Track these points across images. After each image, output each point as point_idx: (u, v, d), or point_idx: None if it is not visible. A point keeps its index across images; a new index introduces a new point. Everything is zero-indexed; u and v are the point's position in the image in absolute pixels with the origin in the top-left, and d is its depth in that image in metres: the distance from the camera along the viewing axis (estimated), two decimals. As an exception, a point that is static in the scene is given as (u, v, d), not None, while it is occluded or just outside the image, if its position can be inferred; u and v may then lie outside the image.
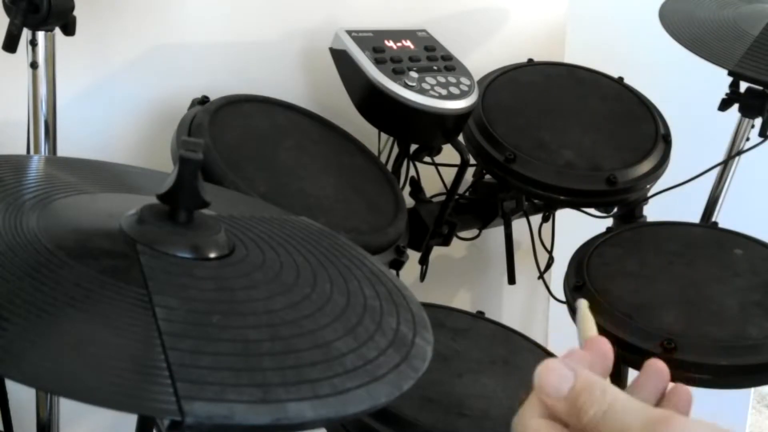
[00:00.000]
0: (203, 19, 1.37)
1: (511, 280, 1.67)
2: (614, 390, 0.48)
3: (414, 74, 1.35)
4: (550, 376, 0.49)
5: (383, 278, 0.79)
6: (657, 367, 0.53)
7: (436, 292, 1.63)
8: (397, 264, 1.26)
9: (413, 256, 1.44)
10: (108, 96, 1.32)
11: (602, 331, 1.38)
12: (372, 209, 1.26)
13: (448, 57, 1.43)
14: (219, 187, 1.03)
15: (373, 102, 1.36)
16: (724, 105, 1.56)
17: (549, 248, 1.73)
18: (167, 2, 1.34)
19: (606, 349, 0.53)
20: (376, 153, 1.42)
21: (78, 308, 0.60)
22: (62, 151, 1.15)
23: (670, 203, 1.55)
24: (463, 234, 1.62)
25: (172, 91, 1.35)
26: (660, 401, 0.52)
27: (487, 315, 1.34)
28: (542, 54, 1.71)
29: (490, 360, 1.19)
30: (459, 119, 1.37)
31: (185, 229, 0.70)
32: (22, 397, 1.23)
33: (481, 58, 1.62)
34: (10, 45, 1.01)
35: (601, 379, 0.49)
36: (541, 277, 1.71)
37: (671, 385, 0.53)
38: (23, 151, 1.13)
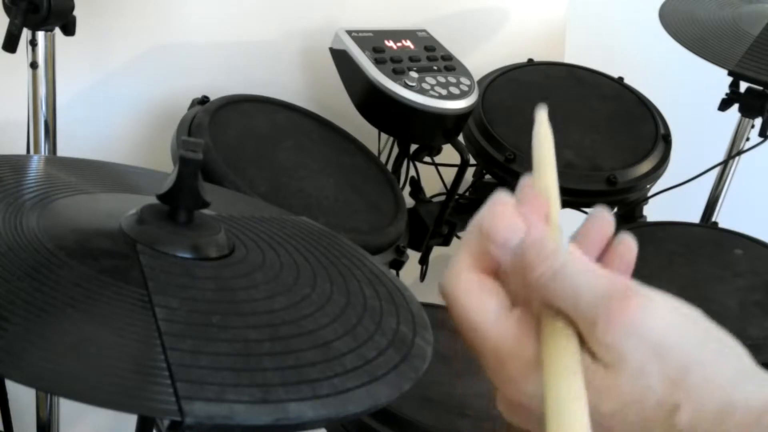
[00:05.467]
0: (203, 19, 1.37)
1: (511, 280, 1.67)
2: (571, 249, 0.42)
3: (414, 74, 1.35)
4: (499, 224, 0.43)
5: (383, 278, 0.79)
6: (602, 215, 0.47)
7: (436, 292, 1.62)
8: (397, 264, 1.26)
9: (413, 256, 1.44)
10: (108, 96, 1.32)
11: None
12: (372, 209, 1.26)
13: (448, 57, 1.43)
14: (219, 187, 1.03)
15: (373, 102, 1.36)
16: (724, 105, 1.56)
17: (549, 248, 1.72)
18: (167, 2, 1.34)
19: (545, 200, 0.46)
20: (376, 153, 1.42)
21: (78, 308, 0.60)
22: (62, 151, 1.15)
23: (670, 203, 1.55)
24: (463, 234, 1.62)
25: (172, 91, 1.35)
26: (604, 252, 0.46)
27: (487, 315, 1.33)
28: (542, 54, 1.71)
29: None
30: (459, 119, 1.37)
31: (185, 229, 0.70)
32: (22, 397, 1.23)
33: (481, 58, 1.62)
34: (10, 45, 1.01)
35: (558, 234, 0.44)
36: (541, 277, 1.71)
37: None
38: (23, 151, 1.13)
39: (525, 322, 0.42)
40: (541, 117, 0.53)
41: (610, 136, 1.52)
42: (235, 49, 1.41)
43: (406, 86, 1.32)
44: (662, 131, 1.53)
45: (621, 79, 1.63)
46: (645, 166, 1.48)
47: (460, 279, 0.44)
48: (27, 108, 1.10)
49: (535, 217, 0.45)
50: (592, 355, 0.40)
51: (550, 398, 0.40)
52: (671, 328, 0.40)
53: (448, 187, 1.47)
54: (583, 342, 0.41)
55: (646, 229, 1.46)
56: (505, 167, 1.44)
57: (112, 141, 1.33)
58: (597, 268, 0.42)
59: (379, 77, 1.32)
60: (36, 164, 0.87)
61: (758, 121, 1.56)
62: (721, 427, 0.39)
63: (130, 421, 0.76)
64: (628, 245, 0.46)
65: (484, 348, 0.43)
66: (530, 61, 1.65)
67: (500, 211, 0.44)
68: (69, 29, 1.06)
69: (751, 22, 1.50)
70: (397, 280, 0.81)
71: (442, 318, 1.38)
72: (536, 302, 0.42)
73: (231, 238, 0.74)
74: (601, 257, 0.45)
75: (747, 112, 1.57)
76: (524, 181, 0.47)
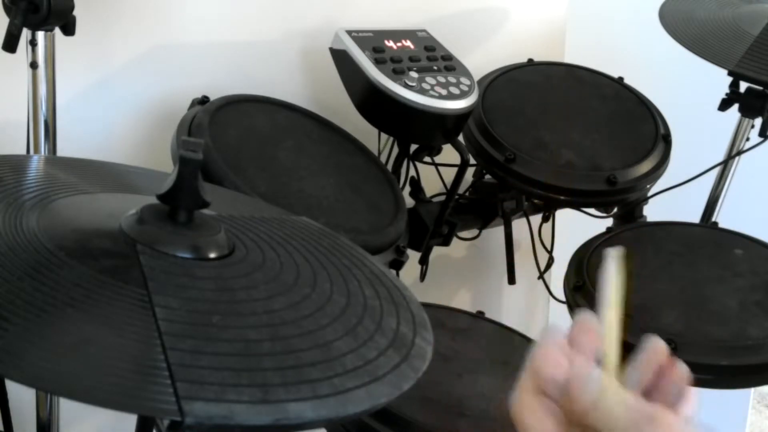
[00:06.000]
0: (203, 19, 1.37)
1: (511, 280, 1.67)
2: (607, 381, 0.50)
3: (414, 74, 1.35)
4: (545, 364, 0.52)
5: (383, 278, 0.79)
6: (657, 346, 0.54)
7: (436, 292, 1.63)
8: (397, 264, 1.26)
9: (413, 256, 1.44)
10: (108, 96, 1.32)
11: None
12: (372, 209, 1.26)
13: (448, 57, 1.43)
14: (219, 187, 1.03)
15: (373, 102, 1.36)
16: (724, 105, 1.56)
17: (549, 248, 1.73)
18: (167, 2, 1.34)
19: (597, 335, 0.54)
20: (376, 153, 1.42)
21: (78, 308, 0.60)
22: (62, 151, 1.15)
23: (670, 203, 1.55)
24: (463, 234, 1.62)
25: (172, 91, 1.35)
26: (657, 378, 0.53)
27: (487, 315, 1.34)
28: (542, 54, 1.71)
29: (490, 360, 1.19)
30: (459, 119, 1.37)
31: (185, 229, 0.70)
32: (22, 397, 1.23)
33: (481, 58, 1.62)
34: (10, 45, 1.01)
35: (596, 369, 0.51)
36: (541, 277, 1.71)
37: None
38: (23, 151, 1.13)
39: None
40: (614, 257, 0.59)
41: (610, 136, 1.52)
42: (235, 49, 1.42)
43: (406, 86, 1.32)
44: (662, 131, 1.53)
45: (621, 79, 1.63)
46: (645, 166, 1.48)
47: (523, 400, 0.52)
48: (27, 108, 1.10)
49: (581, 354, 0.52)
50: None
51: None
52: None
53: (448, 187, 1.47)
54: None
55: (646, 229, 1.46)
56: (505, 167, 1.44)
57: (112, 141, 1.33)
58: (630, 398, 0.49)
59: (379, 77, 1.32)
60: (36, 164, 0.87)
61: (758, 121, 1.56)
62: None
63: (130, 421, 0.76)
64: (681, 373, 0.53)
65: None
66: (530, 61, 1.65)
67: (547, 352, 0.52)
68: (69, 29, 1.06)
69: (751, 22, 1.50)
70: (397, 280, 0.81)
71: (442, 318, 1.38)
72: (584, 423, 0.50)
73: (231, 238, 0.74)
74: (657, 382, 0.53)
75: (747, 112, 1.57)
76: (579, 317, 0.55)
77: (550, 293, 1.72)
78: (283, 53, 1.47)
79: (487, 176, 1.54)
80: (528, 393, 0.52)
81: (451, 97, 1.34)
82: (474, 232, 1.64)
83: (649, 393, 0.53)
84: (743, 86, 1.53)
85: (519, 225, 1.66)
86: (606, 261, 0.59)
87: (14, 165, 0.81)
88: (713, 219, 1.63)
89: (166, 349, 0.57)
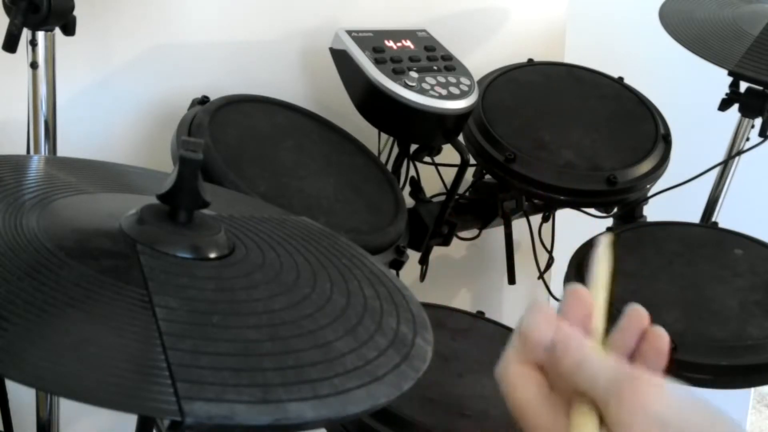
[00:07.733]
0: (203, 19, 1.37)
1: (511, 280, 1.67)
2: (591, 345, 0.52)
3: (414, 74, 1.35)
4: (534, 330, 0.53)
5: (383, 278, 0.79)
6: (638, 312, 0.56)
7: (436, 292, 1.62)
8: (397, 264, 1.26)
9: (413, 256, 1.44)
10: (108, 96, 1.32)
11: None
12: (372, 209, 1.26)
13: (448, 57, 1.43)
14: (219, 187, 1.03)
15: (373, 102, 1.36)
16: (724, 105, 1.56)
17: (549, 248, 1.73)
18: (167, 2, 1.34)
19: (588, 303, 0.55)
20: (376, 153, 1.42)
21: (78, 308, 0.60)
22: (62, 151, 1.15)
23: (670, 203, 1.55)
24: (463, 234, 1.62)
25: (172, 91, 1.35)
26: (639, 343, 0.55)
27: (487, 315, 1.34)
28: (542, 54, 1.71)
29: (490, 360, 1.18)
30: (459, 119, 1.37)
31: (185, 229, 0.70)
32: (22, 397, 1.23)
33: (481, 58, 1.62)
34: (10, 45, 1.01)
35: (580, 334, 0.53)
36: (541, 277, 1.71)
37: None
38: (23, 151, 1.13)
39: (560, 404, 0.52)
40: (605, 242, 0.61)
41: (610, 136, 1.52)
42: (235, 49, 1.42)
43: (406, 86, 1.32)
44: (662, 131, 1.53)
45: (621, 79, 1.63)
46: (645, 166, 1.48)
47: (509, 369, 0.54)
48: (27, 108, 1.10)
49: (563, 322, 0.54)
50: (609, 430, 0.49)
51: None
52: (675, 408, 0.47)
53: (448, 187, 1.47)
54: (602, 421, 0.49)
55: (646, 229, 1.46)
56: (505, 167, 1.44)
57: (112, 141, 1.33)
58: (612, 360, 0.51)
59: (379, 77, 1.32)
60: (36, 164, 0.87)
61: (758, 121, 1.56)
62: None
63: (130, 421, 0.76)
64: (660, 336, 0.55)
65: (528, 423, 0.53)
66: (530, 61, 1.65)
67: (535, 319, 0.54)
68: (69, 29, 1.06)
69: (751, 22, 1.50)
70: (397, 280, 0.81)
71: (442, 318, 1.38)
72: (567, 388, 0.52)
73: (231, 238, 0.74)
74: (639, 347, 0.55)
75: (747, 112, 1.57)
76: (569, 288, 0.57)
77: (550, 293, 1.72)
78: (283, 53, 1.47)
79: (487, 176, 1.54)
80: (514, 362, 0.54)
81: (451, 97, 1.34)
82: (474, 232, 1.64)
83: (631, 358, 0.54)
84: (743, 86, 1.53)
85: (519, 225, 1.66)
86: (598, 246, 0.61)
87: (14, 165, 0.81)
88: (713, 219, 1.63)
89: (166, 349, 0.57)
